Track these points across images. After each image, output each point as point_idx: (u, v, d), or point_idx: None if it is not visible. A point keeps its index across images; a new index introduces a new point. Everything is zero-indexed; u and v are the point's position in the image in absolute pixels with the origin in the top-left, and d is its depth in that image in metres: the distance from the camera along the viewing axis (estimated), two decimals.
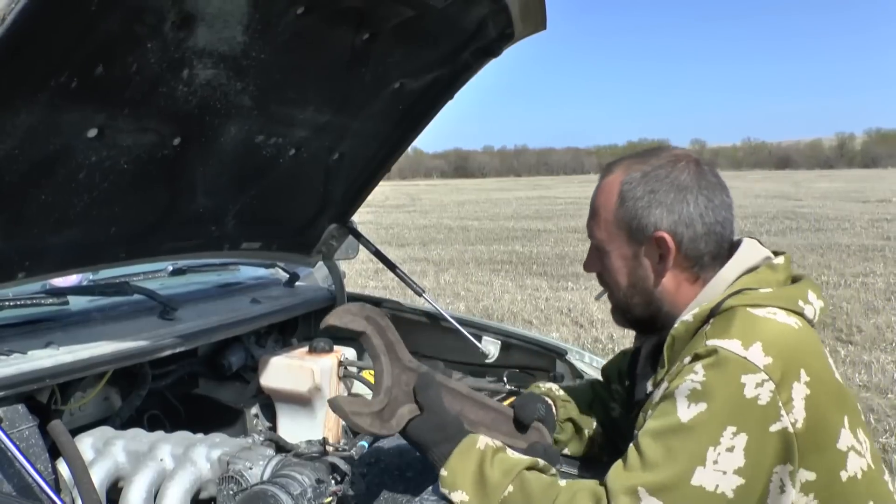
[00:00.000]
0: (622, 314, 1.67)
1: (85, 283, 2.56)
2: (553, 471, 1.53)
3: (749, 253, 1.59)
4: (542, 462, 1.52)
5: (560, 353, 2.70)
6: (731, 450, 1.33)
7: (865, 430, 1.48)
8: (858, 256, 13.03)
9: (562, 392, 1.93)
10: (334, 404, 1.51)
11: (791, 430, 1.35)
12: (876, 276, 10.88)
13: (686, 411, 1.37)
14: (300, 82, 2.04)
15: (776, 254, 1.62)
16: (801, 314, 1.49)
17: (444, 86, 2.44)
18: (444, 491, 1.47)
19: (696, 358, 1.41)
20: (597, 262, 1.66)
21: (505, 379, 2.75)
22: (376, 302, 3.06)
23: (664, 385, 1.48)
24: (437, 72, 2.35)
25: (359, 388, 2.68)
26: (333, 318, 1.60)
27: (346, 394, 2.57)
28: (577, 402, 1.92)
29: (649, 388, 1.59)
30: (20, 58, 1.37)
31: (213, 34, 1.67)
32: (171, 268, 2.85)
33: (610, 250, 1.60)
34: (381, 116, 2.42)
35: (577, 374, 2.64)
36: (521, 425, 1.74)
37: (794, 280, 1.58)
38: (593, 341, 7.31)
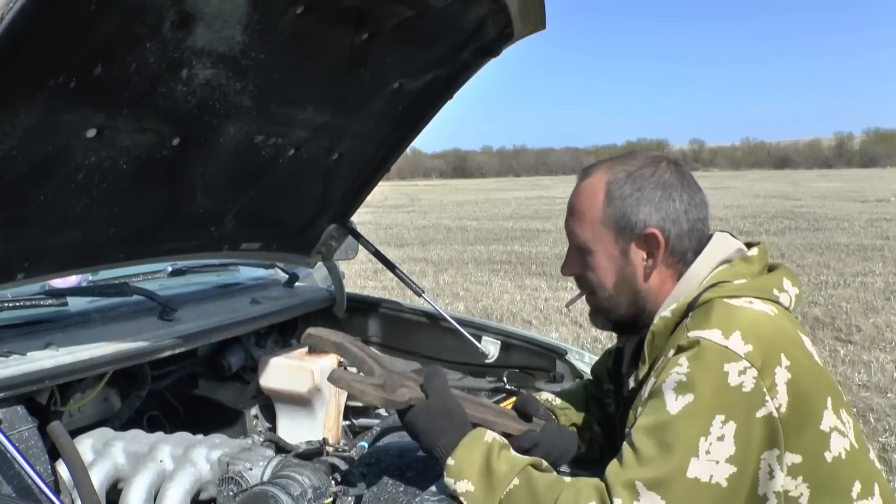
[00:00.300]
0: (605, 315, 1.69)
1: (84, 284, 2.56)
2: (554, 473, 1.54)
3: (720, 246, 1.62)
4: (545, 464, 1.53)
5: (560, 354, 2.70)
6: (721, 438, 1.35)
7: (849, 409, 1.51)
8: (857, 256, 13.03)
9: (558, 400, 1.94)
10: (335, 376, 1.53)
11: (776, 414, 1.37)
12: (875, 276, 10.88)
13: (674, 404, 1.39)
14: (299, 82, 2.04)
15: (750, 245, 1.65)
16: (776, 302, 1.52)
17: (443, 86, 2.43)
18: (450, 480, 1.47)
19: (680, 350, 1.44)
20: (578, 263, 1.67)
21: (505, 379, 2.75)
22: (375, 303, 3.06)
23: (651, 381, 1.50)
24: (436, 72, 2.35)
25: None
26: (312, 329, 1.65)
27: (344, 395, 2.56)
28: (575, 405, 1.93)
29: (631, 384, 1.62)
30: (19, 58, 1.37)
31: (213, 34, 1.67)
32: (170, 268, 2.85)
33: (596, 250, 1.62)
34: (380, 116, 2.42)
35: (577, 374, 2.64)
36: (528, 418, 1.75)
37: (771, 269, 1.62)
38: (592, 341, 7.31)
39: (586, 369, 2.61)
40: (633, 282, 1.61)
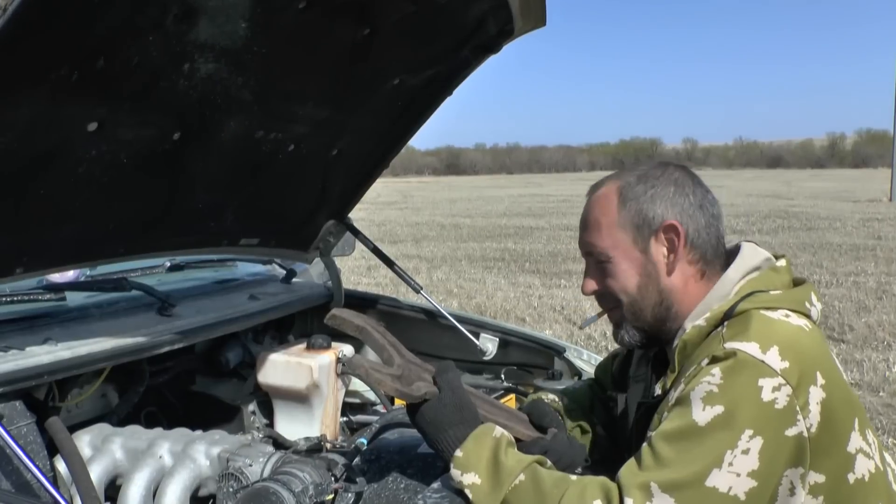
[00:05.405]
0: (630, 325, 1.63)
1: (82, 279, 2.55)
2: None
3: (751, 255, 1.61)
4: (549, 462, 1.53)
5: (558, 351, 2.70)
6: (746, 452, 1.34)
7: (873, 430, 1.51)
8: (850, 255, 13.07)
9: (565, 400, 1.93)
10: (354, 363, 1.52)
11: (806, 434, 1.37)
12: (867, 276, 10.92)
13: (702, 414, 1.38)
14: (300, 77, 2.04)
15: (776, 257, 1.65)
16: (808, 315, 1.52)
17: (442, 82, 2.43)
18: (457, 472, 1.47)
19: (714, 360, 1.42)
20: (599, 276, 1.63)
21: (503, 376, 2.75)
22: (373, 300, 3.06)
23: (680, 387, 1.48)
24: (436, 68, 2.34)
25: (357, 385, 2.68)
26: (337, 310, 1.63)
27: (342, 392, 2.56)
28: (580, 407, 1.92)
29: (657, 391, 1.60)
30: (21, 50, 1.36)
31: (215, 27, 1.66)
32: (168, 263, 2.83)
33: (615, 255, 1.59)
34: (379, 112, 2.42)
35: (576, 371, 2.64)
36: (540, 427, 1.75)
37: (796, 283, 1.62)
38: (586, 338, 7.30)
39: (584, 366, 2.62)
40: (658, 279, 1.58)
